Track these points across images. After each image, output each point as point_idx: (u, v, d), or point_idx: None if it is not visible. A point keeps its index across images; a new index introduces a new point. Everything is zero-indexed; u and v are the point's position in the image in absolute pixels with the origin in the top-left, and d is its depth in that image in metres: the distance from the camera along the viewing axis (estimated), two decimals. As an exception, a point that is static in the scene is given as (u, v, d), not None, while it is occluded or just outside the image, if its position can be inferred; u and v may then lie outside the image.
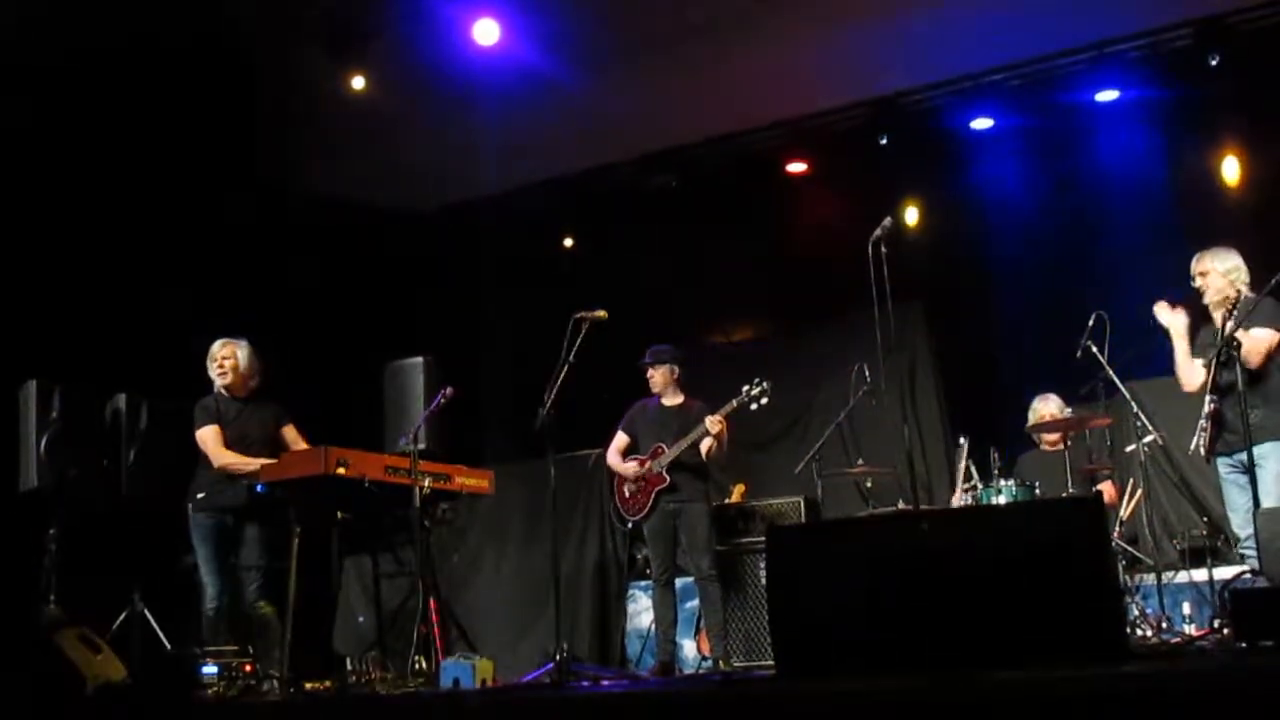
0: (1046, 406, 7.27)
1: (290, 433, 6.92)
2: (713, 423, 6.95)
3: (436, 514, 7.12)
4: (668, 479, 7.11)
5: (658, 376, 7.27)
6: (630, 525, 7.42)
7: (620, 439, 7.42)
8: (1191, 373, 6.08)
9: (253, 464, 6.58)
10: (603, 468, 7.89)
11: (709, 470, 7.31)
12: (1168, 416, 7.11)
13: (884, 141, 8.96)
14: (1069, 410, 7.20)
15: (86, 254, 8.01)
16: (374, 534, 7.23)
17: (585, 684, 6.20)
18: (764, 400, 7.04)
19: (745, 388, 7.06)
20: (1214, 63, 8.00)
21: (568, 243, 10.18)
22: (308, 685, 6.31)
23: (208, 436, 6.71)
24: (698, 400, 7.26)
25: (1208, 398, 5.91)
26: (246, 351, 6.87)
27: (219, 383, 6.84)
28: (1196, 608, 6.82)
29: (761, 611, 7.57)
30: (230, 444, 6.69)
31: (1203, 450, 6.00)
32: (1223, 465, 6.02)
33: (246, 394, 6.88)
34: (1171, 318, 6.12)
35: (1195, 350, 6.12)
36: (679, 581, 7.39)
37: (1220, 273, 5.97)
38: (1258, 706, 3.15)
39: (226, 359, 6.83)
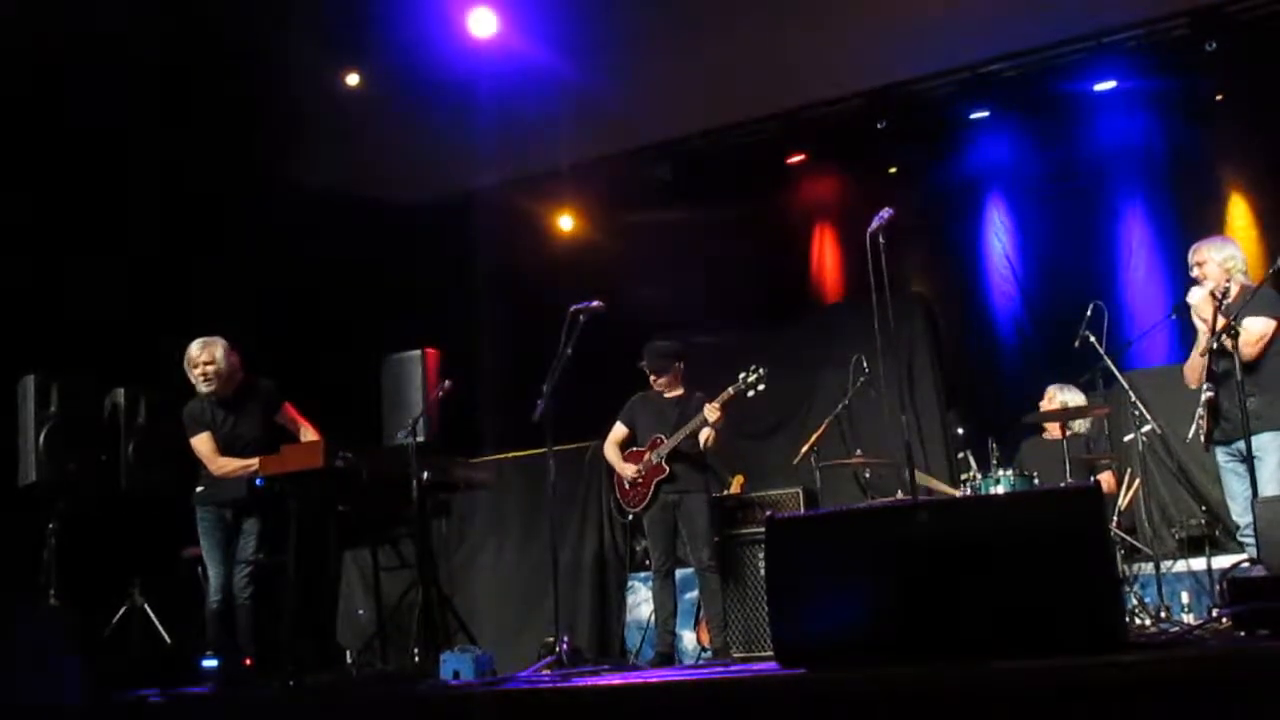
0: (1063, 394, 7.26)
1: (289, 413, 6.80)
2: (710, 410, 6.94)
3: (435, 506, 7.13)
4: (667, 470, 7.10)
5: (664, 381, 7.23)
6: (630, 516, 7.41)
7: (618, 430, 7.41)
8: (1198, 371, 6.04)
9: (254, 464, 6.51)
10: (602, 459, 7.88)
11: (708, 461, 7.31)
12: (1166, 406, 7.10)
13: (881, 125, 8.97)
14: (1081, 398, 7.20)
15: (84, 247, 8.01)
16: (374, 527, 7.23)
17: (585, 675, 6.20)
18: (760, 387, 7.02)
19: (741, 375, 7.04)
20: (1211, 52, 8.01)
21: (565, 234, 10.18)
22: (307, 678, 6.32)
23: (202, 445, 6.58)
24: (697, 391, 7.25)
25: (1204, 387, 5.91)
26: (223, 351, 6.60)
27: (203, 389, 6.59)
28: (1195, 597, 6.83)
29: (761, 602, 7.58)
30: (224, 449, 6.59)
31: (1201, 439, 6.01)
32: (1221, 454, 6.03)
33: (232, 393, 6.68)
34: (1208, 308, 5.85)
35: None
36: (679, 572, 7.38)
37: (1217, 262, 5.97)
38: (1256, 695, 3.16)
39: (208, 364, 6.54)
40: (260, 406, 6.75)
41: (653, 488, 7.13)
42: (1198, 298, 5.97)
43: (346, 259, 9.28)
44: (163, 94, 7.96)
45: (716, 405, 6.95)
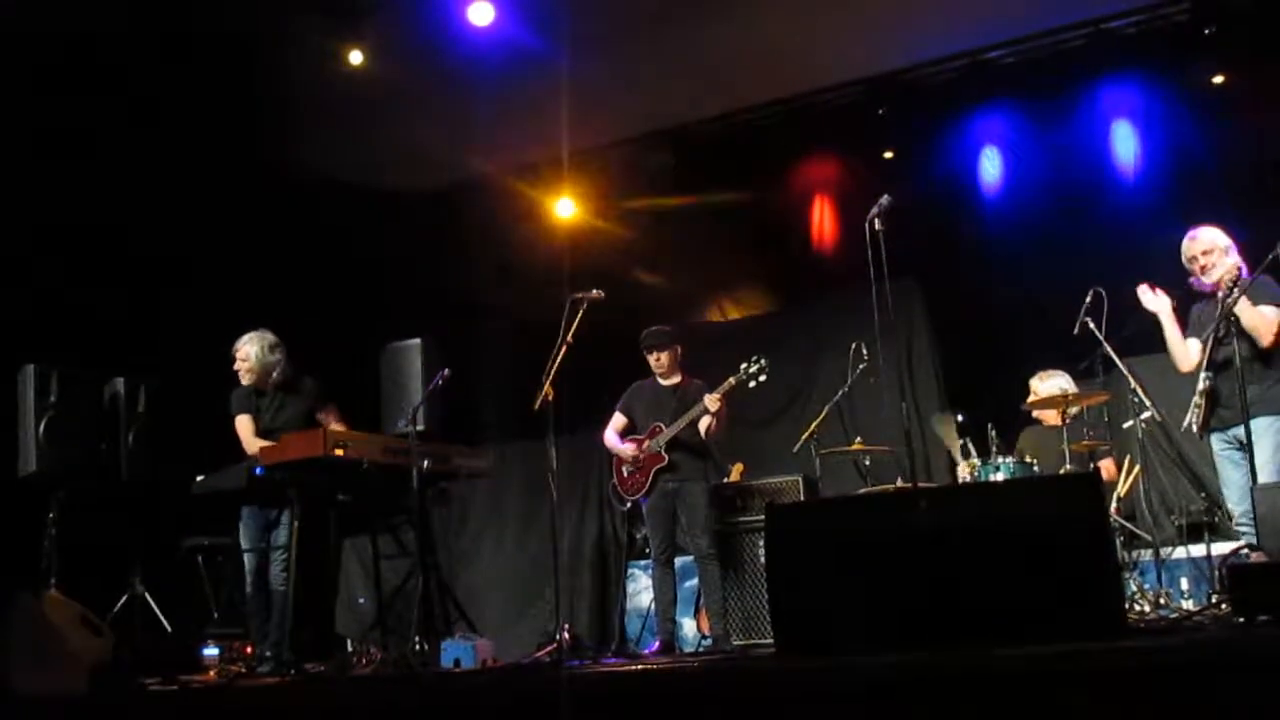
0: (1044, 384, 7.27)
1: (328, 418, 6.95)
2: (711, 401, 6.94)
3: (435, 495, 7.15)
4: (666, 458, 7.10)
5: (665, 358, 7.23)
6: (629, 505, 7.42)
7: (618, 419, 7.42)
8: (1185, 352, 6.10)
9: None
10: (601, 448, 7.89)
11: (708, 449, 7.30)
12: (1165, 393, 7.10)
13: (881, 112, 8.97)
14: (1072, 386, 7.20)
15: (83, 237, 8.00)
16: (373, 516, 7.25)
17: (585, 663, 6.22)
18: (762, 378, 7.03)
19: (744, 365, 7.05)
20: (1210, 36, 7.99)
21: (565, 222, 10.15)
22: (307, 666, 6.33)
23: (241, 426, 6.82)
24: (696, 379, 7.25)
25: (1203, 374, 5.92)
26: (257, 346, 6.85)
27: (242, 380, 6.89)
28: (1194, 583, 6.84)
29: (760, 590, 7.59)
30: (262, 435, 6.76)
31: (1195, 427, 6.02)
32: (1217, 441, 6.03)
33: (275, 386, 6.90)
34: (1156, 301, 6.16)
35: (1191, 330, 6.13)
36: (678, 560, 7.39)
37: (1222, 249, 5.99)
38: (1255, 681, 3.16)
39: (243, 360, 6.86)
40: (303, 402, 6.94)
41: (651, 476, 7.14)
42: (1149, 302, 6.16)
43: (345, 247, 9.27)
44: (161, 82, 7.93)
45: (717, 396, 6.95)
